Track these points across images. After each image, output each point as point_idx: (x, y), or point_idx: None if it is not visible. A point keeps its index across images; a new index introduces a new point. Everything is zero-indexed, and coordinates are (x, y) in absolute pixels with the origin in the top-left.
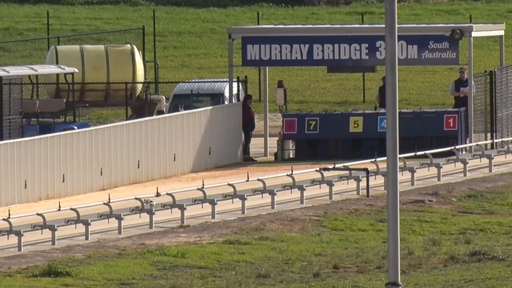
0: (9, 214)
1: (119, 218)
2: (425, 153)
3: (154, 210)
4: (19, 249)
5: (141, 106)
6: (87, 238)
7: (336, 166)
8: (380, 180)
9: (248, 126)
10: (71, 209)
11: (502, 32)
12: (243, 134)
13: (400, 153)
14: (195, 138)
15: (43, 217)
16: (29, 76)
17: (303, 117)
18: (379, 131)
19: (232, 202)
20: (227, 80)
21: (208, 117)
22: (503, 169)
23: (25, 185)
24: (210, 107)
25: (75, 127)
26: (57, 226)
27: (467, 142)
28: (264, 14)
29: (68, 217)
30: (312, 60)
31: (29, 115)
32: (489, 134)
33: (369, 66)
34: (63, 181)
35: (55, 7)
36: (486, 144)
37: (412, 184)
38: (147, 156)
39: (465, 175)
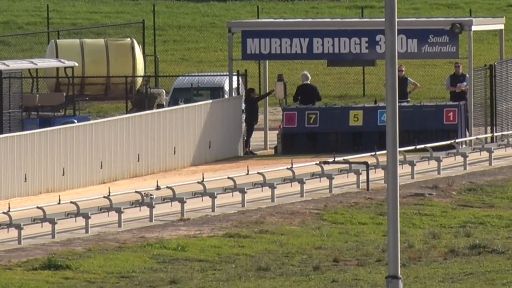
0: (9, 208)
1: (119, 211)
2: (425, 146)
3: (154, 204)
4: (19, 242)
5: (141, 100)
6: (87, 232)
7: (336, 159)
8: (380, 173)
9: (253, 119)
10: (71, 202)
11: (502, 26)
12: (245, 127)
13: (400, 147)
14: (195, 131)
15: (43, 211)
16: (29, 70)
17: (303, 110)
18: (379, 124)
19: (232, 196)
20: (227, 74)
21: (208, 110)
22: (503, 162)
23: (25, 178)
24: (210, 101)
25: (75, 121)
26: (57, 220)
27: (467, 136)
28: (264, 8)
29: (68, 211)
30: (312, 54)
31: (29, 109)
32: (489, 128)
33: (369, 60)
34: (63, 175)
35: (55, 1)
36: (486, 138)
37: (412, 178)
38: (147, 149)
39: (465, 168)
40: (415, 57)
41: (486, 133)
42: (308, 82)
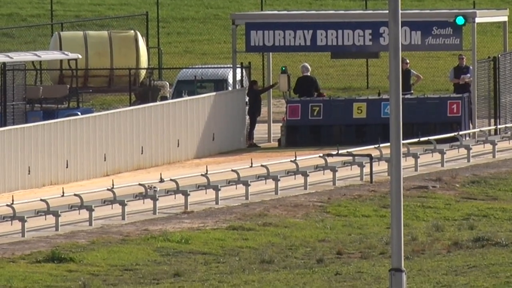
0: (13, 200)
1: (122, 204)
2: (428, 139)
3: (158, 196)
4: (23, 235)
5: (144, 92)
6: (90, 224)
7: (340, 152)
8: (383, 166)
9: (255, 111)
10: (75, 195)
11: (505, 18)
12: (249, 119)
13: (403, 139)
14: (198, 124)
15: (47, 203)
16: (32, 62)
17: (306, 103)
18: (383, 117)
19: (236, 188)
20: (231, 66)
21: (212, 103)
22: (507, 155)
23: (29, 171)
24: (214, 93)
25: (79, 113)
26: (60, 212)
27: (471, 128)
28: (268, 0)
29: (71, 203)
30: (315, 46)
31: (33, 101)
32: (492, 120)
33: (373, 52)
34: (67, 167)
35: None
36: (489, 130)
37: (416, 170)
38: (151, 142)
39: (468, 161)
40: (419, 49)
41: (489, 125)
42: (308, 74)
